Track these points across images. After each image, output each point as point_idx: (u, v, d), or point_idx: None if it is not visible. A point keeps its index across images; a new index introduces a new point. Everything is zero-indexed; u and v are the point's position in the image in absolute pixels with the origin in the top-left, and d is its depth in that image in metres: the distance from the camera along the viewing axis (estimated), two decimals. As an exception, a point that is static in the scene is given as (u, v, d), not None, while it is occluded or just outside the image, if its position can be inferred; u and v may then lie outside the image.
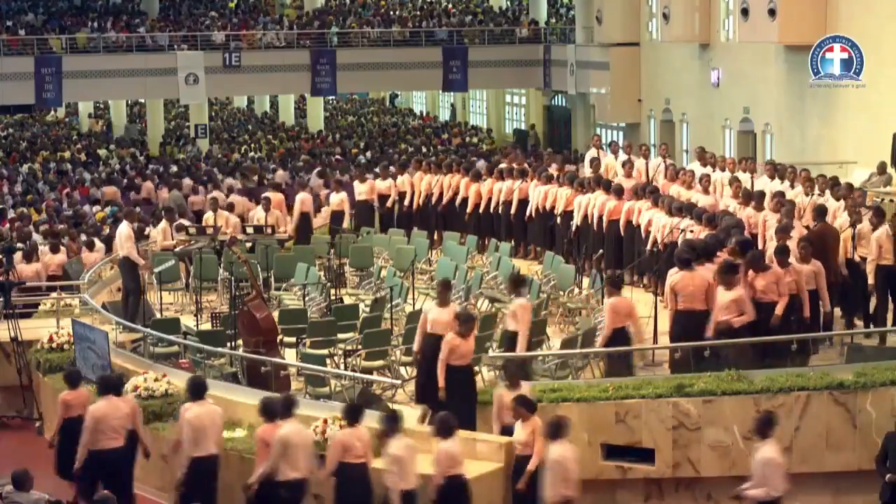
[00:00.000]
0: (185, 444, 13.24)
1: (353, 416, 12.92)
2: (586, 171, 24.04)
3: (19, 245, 22.62)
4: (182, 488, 13.26)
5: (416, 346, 15.05)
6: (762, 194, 18.80)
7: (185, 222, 23.59)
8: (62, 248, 23.36)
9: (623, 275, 17.68)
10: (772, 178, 20.85)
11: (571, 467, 12.35)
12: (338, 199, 25.06)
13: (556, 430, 12.45)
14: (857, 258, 17.00)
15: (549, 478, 12.29)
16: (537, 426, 12.86)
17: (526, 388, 13.75)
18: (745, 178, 21.18)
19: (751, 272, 15.27)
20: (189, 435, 13.19)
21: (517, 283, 15.79)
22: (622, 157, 24.03)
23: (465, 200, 24.07)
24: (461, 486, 12.68)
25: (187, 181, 33.51)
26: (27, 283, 20.59)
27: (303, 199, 24.75)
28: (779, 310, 15.13)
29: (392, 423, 12.69)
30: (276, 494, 12.69)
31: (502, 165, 25.13)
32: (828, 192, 19.01)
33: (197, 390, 13.46)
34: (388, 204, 24.90)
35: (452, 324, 14.41)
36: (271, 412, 13.04)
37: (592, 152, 24.99)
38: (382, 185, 25.14)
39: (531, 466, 12.78)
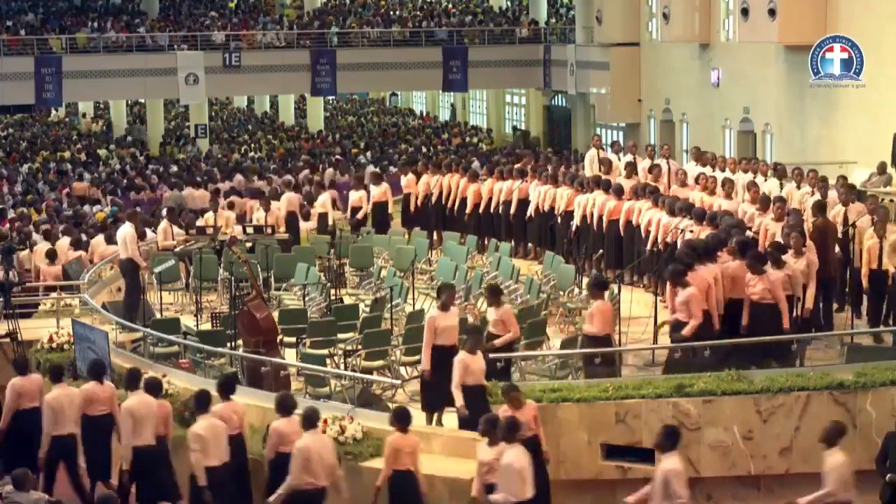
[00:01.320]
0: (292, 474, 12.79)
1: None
2: (587, 171, 24.05)
3: (43, 245, 22.75)
4: None
5: (425, 363, 14.47)
6: (769, 199, 18.68)
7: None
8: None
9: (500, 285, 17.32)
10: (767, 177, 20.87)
11: (316, 457, 12.54)
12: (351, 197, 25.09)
13: (308, 420, 12.75)
14: (889, 268, 16.87)
15: (292, 465, 12.57)
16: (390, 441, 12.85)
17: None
18: (745, 178, 21.14)
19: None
20: (299, 465, 12.70)
21: (599, 286, 15.47)
22: (627, 157, 24.00)
23: (464, 200, 24.08)
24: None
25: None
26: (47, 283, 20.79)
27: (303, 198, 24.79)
28: (687, 330, 14.85)
29: (201, 401, 13.30)
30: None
31: (517, 166, 25.09)
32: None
33: (310, 420, 12.98)
34: (360, 216, 24.70)
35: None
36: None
37: (592, 152, 24.99)
38: (355, 195, 25.09)
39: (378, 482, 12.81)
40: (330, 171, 35.37)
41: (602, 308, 15.14)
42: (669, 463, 11.93)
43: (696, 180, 21.13)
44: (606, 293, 15.55)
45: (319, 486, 12.70)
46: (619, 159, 23.87)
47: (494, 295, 15.23)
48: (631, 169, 22.38)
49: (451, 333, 14.49)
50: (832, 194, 19.06)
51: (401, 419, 12.98)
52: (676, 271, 15.04)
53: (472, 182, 24.03)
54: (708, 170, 21.93)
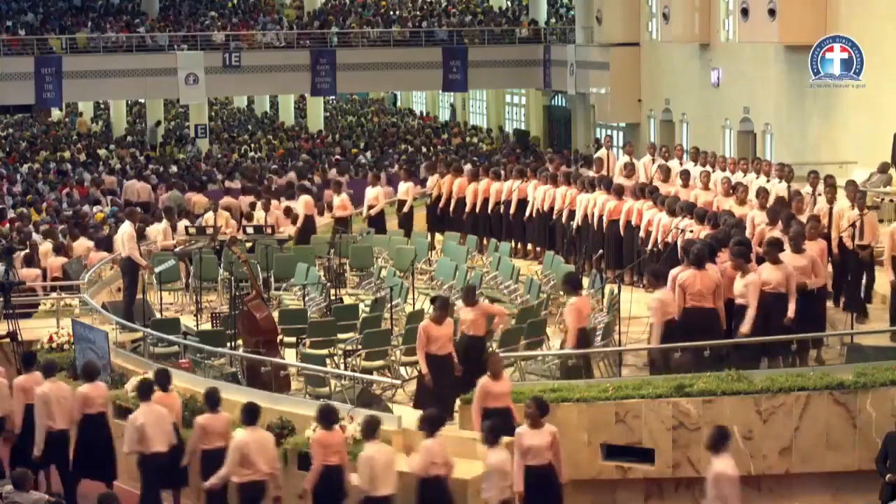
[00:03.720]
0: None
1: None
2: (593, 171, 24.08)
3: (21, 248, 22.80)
4: None
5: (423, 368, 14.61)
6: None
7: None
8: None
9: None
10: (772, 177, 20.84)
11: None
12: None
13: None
14: None
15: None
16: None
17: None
18: (746, 179, 21.10)
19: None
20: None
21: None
22: (624, 158, 24.01)
23: (463, 200, 24.08)
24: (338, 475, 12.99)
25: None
26: (27, 284, 20.70)
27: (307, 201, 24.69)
28: (746, 326, 14.95)
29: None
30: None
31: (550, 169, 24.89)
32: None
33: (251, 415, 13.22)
34: (373, 212, 24.71)
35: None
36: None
37: (602, 153, 25.00)
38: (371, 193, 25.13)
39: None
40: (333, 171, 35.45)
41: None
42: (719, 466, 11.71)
43: (735, 189, 20.03)
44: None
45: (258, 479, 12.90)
46: (631, 160, 23.88)
47: (469, 295, 15.28)
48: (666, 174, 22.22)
49: (445, 343, 14.50)
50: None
51: (324, 417, 13.00)
52: (742, 252, 14.99)
53: (472, 181, 24.02)
54: (708, 169, 21.92)
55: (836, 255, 17.76)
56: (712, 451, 11.79)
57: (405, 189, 25.06)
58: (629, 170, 22.94)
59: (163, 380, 14.44)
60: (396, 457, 12.76)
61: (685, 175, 21.21)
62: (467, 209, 23.84)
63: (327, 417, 13.02)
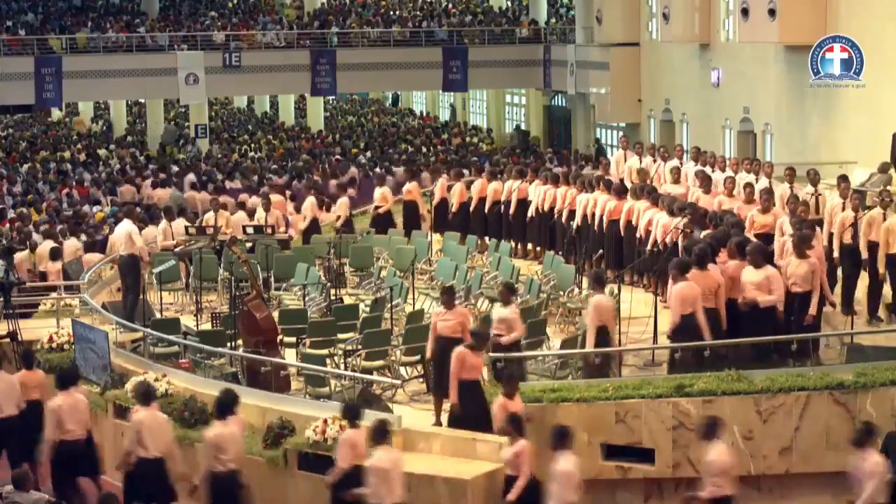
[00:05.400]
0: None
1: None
2: (613, 172, 24.03)
3: (49, 243, 22.93)
4: None
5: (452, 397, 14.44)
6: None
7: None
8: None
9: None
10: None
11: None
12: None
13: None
14: None
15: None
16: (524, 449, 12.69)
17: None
18: (747, 178, 21.07)
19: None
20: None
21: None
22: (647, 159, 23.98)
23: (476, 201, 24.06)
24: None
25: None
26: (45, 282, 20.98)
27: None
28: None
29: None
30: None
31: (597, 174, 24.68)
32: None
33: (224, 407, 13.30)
34: (381, 211, 24.76)
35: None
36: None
37: (619, 153, 24.97)
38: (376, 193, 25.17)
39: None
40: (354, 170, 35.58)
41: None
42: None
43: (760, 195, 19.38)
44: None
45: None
46: (640, 161, 23.84)
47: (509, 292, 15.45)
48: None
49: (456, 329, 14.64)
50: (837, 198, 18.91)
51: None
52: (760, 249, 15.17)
53: (456, 181, 24.05)
54: (707, 169, 21.90)
55: (884, 271, 17.20)
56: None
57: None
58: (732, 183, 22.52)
59: (28, 359, 15.55)
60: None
61: (707, 180, 20.82)
62: (454, 209, 23.84)
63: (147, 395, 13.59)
